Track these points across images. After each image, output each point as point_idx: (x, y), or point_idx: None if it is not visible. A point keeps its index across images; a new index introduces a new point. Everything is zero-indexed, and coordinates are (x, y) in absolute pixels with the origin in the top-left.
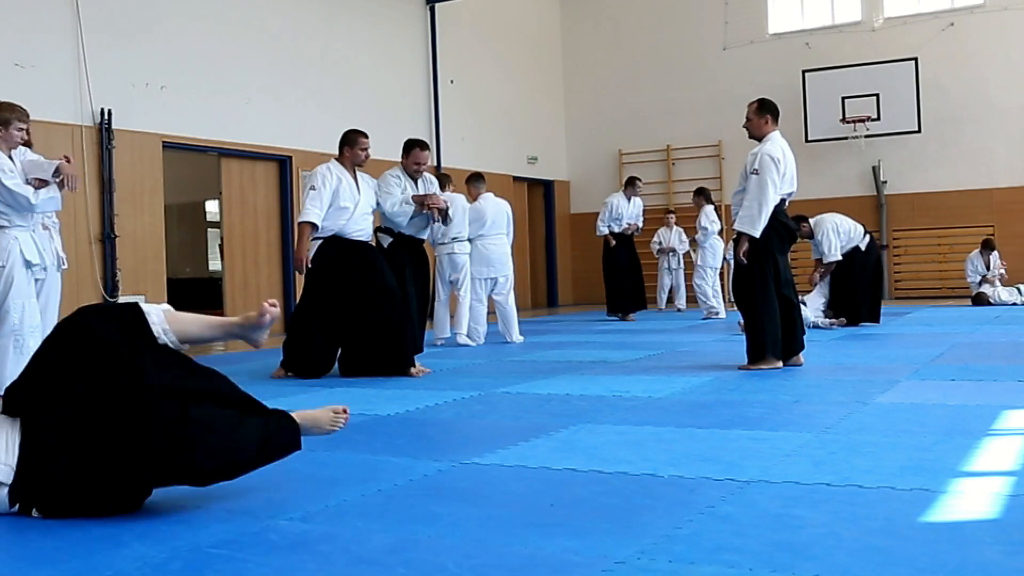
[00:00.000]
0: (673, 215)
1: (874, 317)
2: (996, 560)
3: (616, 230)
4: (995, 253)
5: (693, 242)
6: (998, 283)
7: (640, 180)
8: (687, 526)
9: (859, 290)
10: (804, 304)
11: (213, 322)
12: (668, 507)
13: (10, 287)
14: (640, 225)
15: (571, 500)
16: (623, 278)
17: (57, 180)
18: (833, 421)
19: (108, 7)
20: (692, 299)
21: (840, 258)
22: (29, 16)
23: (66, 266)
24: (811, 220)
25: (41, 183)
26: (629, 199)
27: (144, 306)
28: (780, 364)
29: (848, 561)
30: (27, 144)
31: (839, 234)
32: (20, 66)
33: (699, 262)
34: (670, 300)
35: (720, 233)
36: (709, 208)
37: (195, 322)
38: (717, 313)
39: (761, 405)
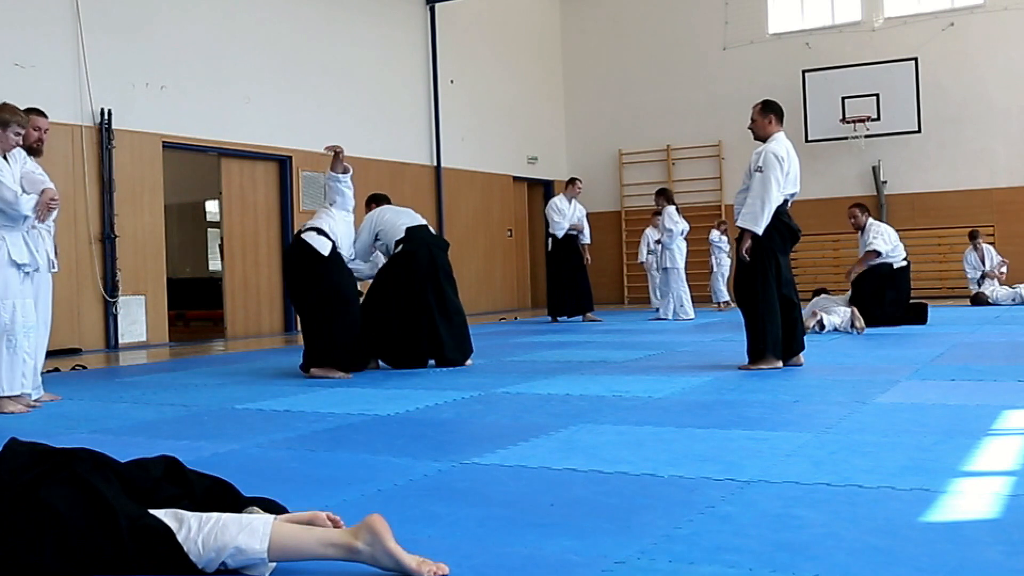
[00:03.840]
0: (659, 216)
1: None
2: (996, 560)
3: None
4: (987, 246)
5: (658, 242)
6: (997, 282)
7: (580, 180)
8: (687, 526)
9: (886, 297)
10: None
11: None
12: (668, 507)
13: None
14: (583, 228)
15: (571, 500)
16: (564, 281)
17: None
18: (833, 421)
19: (108, 7)
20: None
21: (879, 248)
22: (29, 16)
23: (56, 269)
24: (870, 218)
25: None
26: (570, 200)
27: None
28: (780, 364)
29: (848, 561)
30: (38, 151)
31: (887, 240)
32: (20, 66)
33: (668, 264)
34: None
35: (683, 235)
36: (671, 209)
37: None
38: (679, 318)
39: (761, 405)
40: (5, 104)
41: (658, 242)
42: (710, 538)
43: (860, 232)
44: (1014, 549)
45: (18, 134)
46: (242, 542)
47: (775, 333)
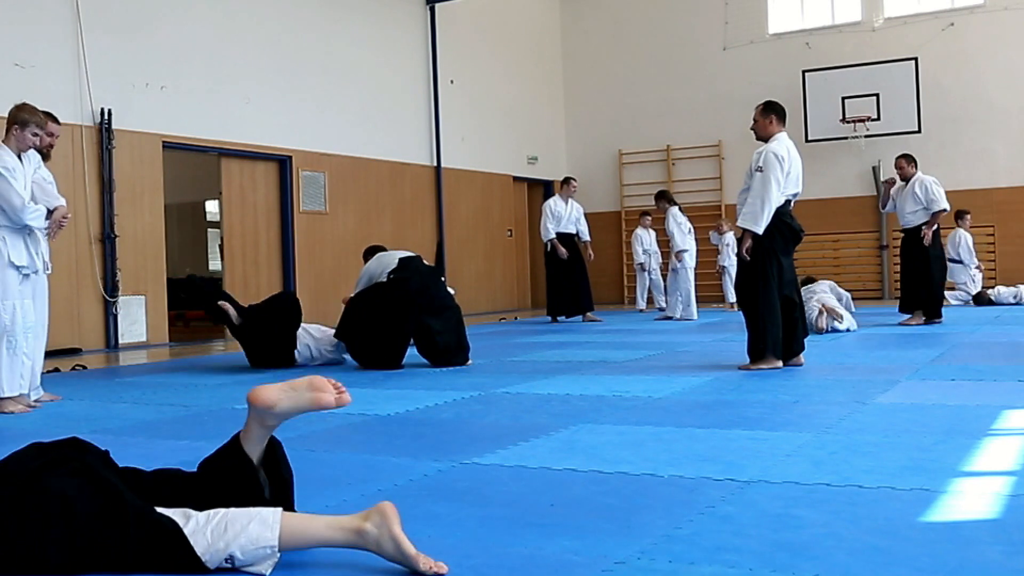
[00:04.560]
0: (649, 217)
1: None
2: (996, 560)
3: (553, 235)
4: (964, 232)
5: (666, 244)
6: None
7: (574, 179)
8: (687, 526)
9: (920, 280)
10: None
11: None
12: (668, 507)
13: None
14: (582, 230)
15: (571, 500)
16: (563, 281)
17: (51, 212)
18: (833, 421)
19: (108, 7)
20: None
21: (946, 206)
22: (29, 16)
23: (50, 270)
24: (919, 171)
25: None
26: (566, 200)
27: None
28: (780, 364)
29: (848, 561)
30: (46, 156)
31: (943, 192)
32: (20, 66)
33: (682, 264)
34: (650, 300)
35: (689, 232)
36: (675, 210)
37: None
38: (685, 318)
39: (761, 405)
40: (24, 104)
41: (666, 243)
42: (710, 538)
43: (905, 183)
44: (1014, 549)
45: (35, 135)
46: (253, 531)
47: (776, 333)
